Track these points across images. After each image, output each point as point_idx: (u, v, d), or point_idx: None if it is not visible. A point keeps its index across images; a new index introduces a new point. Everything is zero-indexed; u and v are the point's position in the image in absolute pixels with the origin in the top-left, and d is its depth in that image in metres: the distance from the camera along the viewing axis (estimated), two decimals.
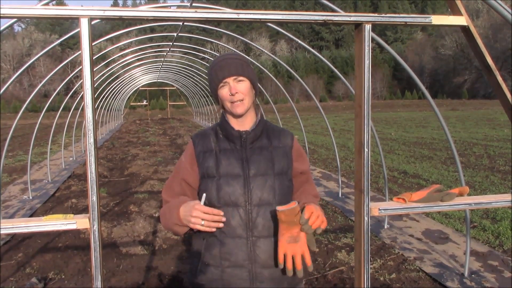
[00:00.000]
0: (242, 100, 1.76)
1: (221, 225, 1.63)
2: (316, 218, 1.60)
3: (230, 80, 1.76)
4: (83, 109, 1.43)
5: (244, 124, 1.82)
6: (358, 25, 1.61)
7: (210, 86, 1.83)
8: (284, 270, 1.68)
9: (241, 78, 1.77)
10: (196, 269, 1.78)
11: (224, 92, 1.77)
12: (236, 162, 1.75)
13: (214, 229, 1.63)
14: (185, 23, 7.54)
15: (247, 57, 2.04)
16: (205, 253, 1.75)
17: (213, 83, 1.80)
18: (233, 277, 1.71)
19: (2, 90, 4.91)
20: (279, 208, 1.57)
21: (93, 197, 1.47)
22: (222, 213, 1.64)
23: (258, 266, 1.71)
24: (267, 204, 1.72)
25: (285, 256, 1.63)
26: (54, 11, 1.39)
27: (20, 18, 1.51)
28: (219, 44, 12.46)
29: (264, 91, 10.63)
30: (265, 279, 1.71)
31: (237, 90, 1.75)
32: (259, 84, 1.92)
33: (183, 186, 1.81)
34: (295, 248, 1.61)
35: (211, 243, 1.74)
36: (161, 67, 17.55)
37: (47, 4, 4.25)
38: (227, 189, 1.72)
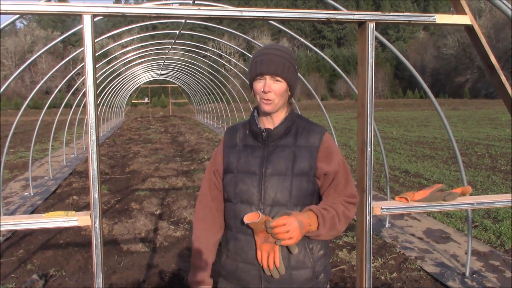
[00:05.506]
0: (273, 99, 1.71)
1: None
2: (283, 232, 1.55)
3: (267, 77, 1.70)
4: (85, 106, 1.43)
5: (273, 121, 1.77)
6: (362, 24, 1.60)
7: (248, 74, 1.80)
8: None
9: (279, 78, 1.70)
10: (221, 260, 1.85)
11: (258, 86, 1.73)
12: (255, 160, 1.74)
13: None
14: (187, 21, 7.53)
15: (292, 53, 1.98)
16: (226, 246, 1.82)
17: (251, 73, 1.76)
18: (244, 273, 1.74)
19: (3, 87, 4.91)
20: (245, 220, 1.58)
21: (94, 194, 1.47)
22: None
23: None
24: (282, 205, 1.68)
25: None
26: (56, 7, 1.39)
27: (22, 15, 1.51)
28: (221, 42, 12.39)
29: None
30: (273, 280, 1.69)
31: (270, 89, 1.70)
32: None
33: (216, 176, 1.86)
34: (269, 248, 1.63)
35: (229, 237, 1.80)
36: (163, 64, 17.54)
37: (49, 0, 4.24)
38: (242, 186, 1.72)
